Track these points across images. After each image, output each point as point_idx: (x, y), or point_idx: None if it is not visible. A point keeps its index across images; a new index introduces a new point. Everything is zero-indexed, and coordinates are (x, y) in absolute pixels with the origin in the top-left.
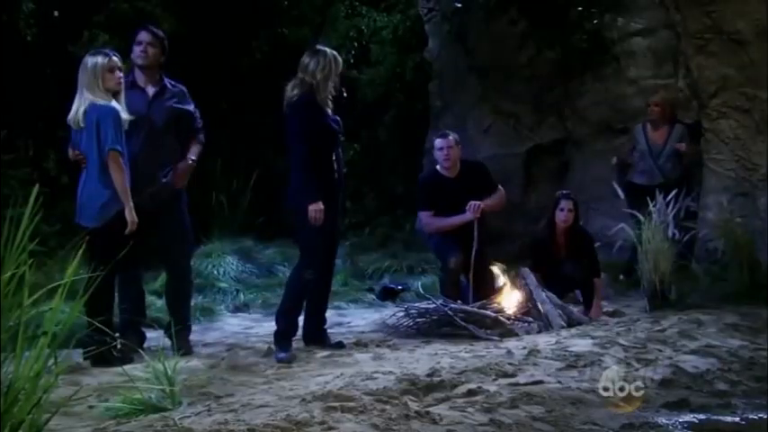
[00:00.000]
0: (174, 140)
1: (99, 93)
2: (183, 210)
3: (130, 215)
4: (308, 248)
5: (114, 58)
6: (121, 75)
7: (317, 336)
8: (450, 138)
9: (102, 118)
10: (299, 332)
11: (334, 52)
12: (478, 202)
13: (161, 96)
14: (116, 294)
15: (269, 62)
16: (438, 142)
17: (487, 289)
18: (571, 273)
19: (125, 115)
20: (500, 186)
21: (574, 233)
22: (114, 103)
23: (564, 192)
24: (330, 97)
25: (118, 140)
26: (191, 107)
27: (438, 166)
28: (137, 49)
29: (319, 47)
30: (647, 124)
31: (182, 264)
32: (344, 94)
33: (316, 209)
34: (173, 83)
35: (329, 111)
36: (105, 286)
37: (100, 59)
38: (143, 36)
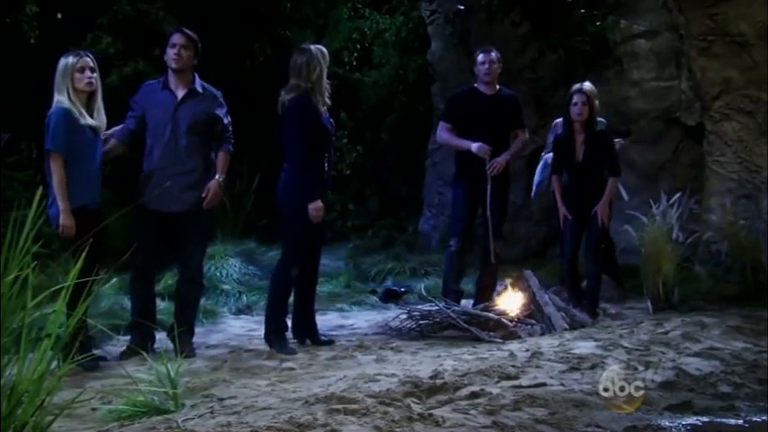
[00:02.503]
0: (198, 143)
1: (64, 93)
2: (205, 215)
3: (63, 217)
4: (292, 246)
5: (86, 59)
6: (93, 75)
7: (306, 328)
8: (493, 54)
9: (49, 119)
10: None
11: (320, 47)
12: (498, 161)
13: (189, 99)
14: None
15: (272, 65)
16: (481, 56)
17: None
18: (590, 177)
19: (90, 120)
20: (525, 130)
21: (592, 134)
22: (68, 104)
23: (577, 86)
24: (327, 96)
25: (56, 142)
26: (220, 112)
27: (476, 83)
28: (170, 52)
29: (304, 46)
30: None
31: (194, 267)
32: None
33: (315, 207)
34: (205, 86)
35: (324, 111)
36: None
37: (71, 59)
38: (176, 39)
